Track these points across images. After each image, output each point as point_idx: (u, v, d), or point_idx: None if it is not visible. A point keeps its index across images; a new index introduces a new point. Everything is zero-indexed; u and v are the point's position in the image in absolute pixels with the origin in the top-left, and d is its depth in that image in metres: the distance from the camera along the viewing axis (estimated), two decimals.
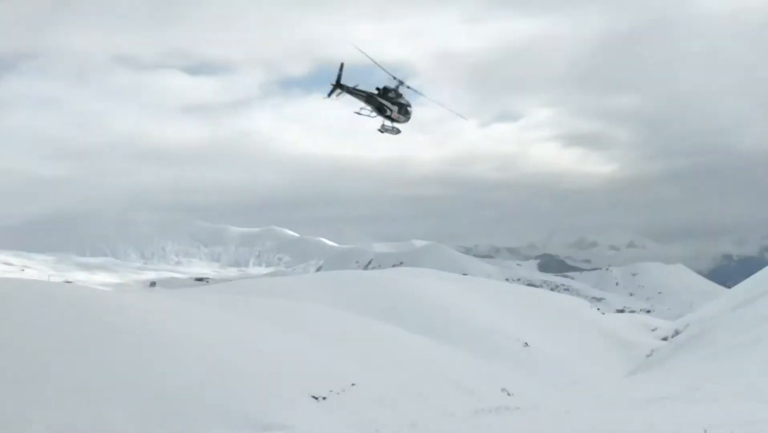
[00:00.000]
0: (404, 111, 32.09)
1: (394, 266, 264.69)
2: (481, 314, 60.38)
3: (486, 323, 58.03)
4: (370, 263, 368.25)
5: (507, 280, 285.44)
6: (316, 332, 38.21)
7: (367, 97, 31.39)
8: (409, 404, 30.52)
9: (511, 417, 30.31)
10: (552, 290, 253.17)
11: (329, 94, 30.65)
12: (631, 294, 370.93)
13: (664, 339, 65.22)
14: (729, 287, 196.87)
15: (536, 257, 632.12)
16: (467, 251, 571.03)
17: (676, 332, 65.33)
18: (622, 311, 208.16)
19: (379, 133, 32.44)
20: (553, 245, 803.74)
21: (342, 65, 30.10)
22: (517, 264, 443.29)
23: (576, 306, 78.30)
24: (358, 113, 31.85)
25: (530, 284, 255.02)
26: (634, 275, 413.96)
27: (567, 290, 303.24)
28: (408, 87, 31.93)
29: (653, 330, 72.82)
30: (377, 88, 31.40)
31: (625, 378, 51.20)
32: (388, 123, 32.24)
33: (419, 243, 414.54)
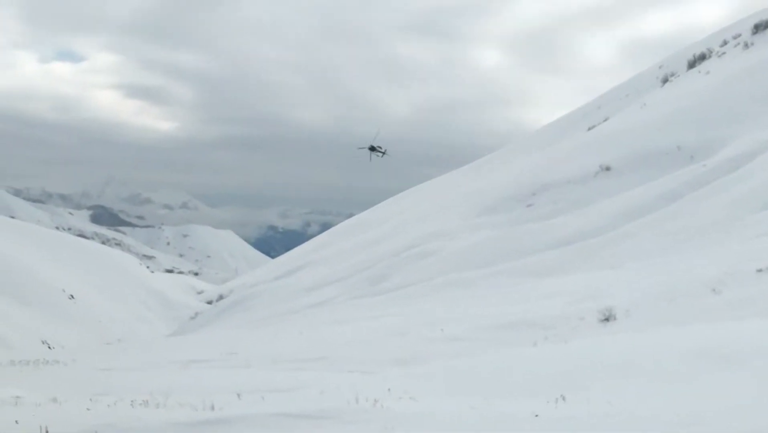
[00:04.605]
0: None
1: None
2: (27, 262, 57.56)
3: (31, 271, 55.50)
4: None
5: (58, 228, 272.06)
6: None
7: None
8: None
9: (48, 370, 29.72)
10: (103, 243, 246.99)
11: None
12: (181, 255, 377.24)
13: (209, 303, 68.10)
14: (273, 257, 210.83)
15: (89, 207, 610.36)
16: (17, 192, 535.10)
17: (221, 297, 68.60)
18: (171, 271, 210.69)
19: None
20: (107, 197, 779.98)
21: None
22: (69, 213, 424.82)
23: (126, 262, 77.98)
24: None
25: (81, 235, 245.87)
26: (185, 236, 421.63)
27: (119, 244, 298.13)
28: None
29: (199, 293, 75.51)
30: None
31: (168, 338, 52.69)
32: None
33: None
